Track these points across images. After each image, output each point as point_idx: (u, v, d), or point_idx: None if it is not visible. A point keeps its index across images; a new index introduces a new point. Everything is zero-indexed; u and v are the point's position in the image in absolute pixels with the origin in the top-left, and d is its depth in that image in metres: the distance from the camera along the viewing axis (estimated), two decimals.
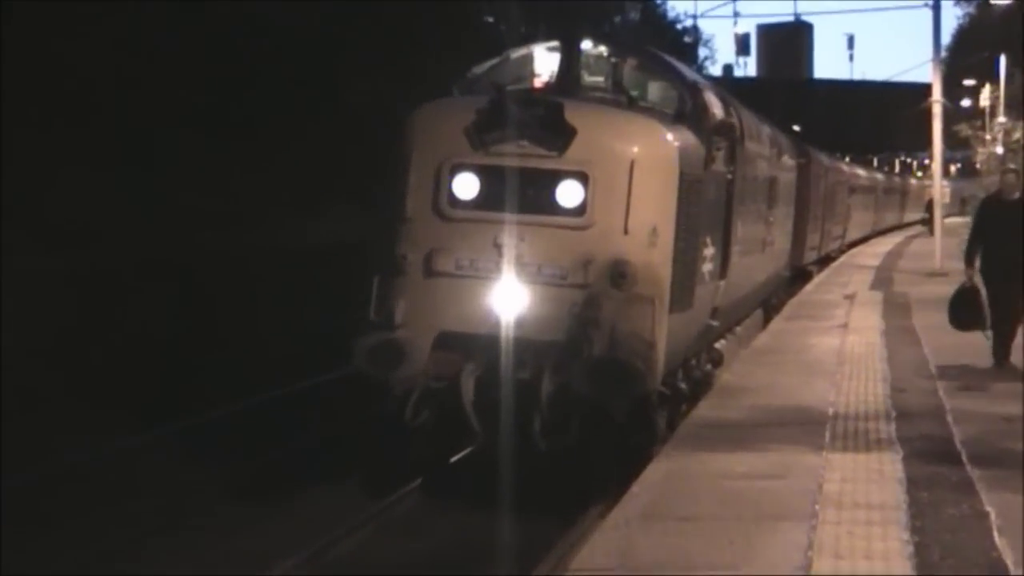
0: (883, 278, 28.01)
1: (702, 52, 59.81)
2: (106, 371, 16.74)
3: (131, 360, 17.63)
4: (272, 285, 23.33)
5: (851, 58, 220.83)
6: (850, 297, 22.93)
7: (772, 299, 20.90)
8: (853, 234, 41.54)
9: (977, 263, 13.58)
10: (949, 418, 10.77)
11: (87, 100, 24.25)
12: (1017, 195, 13.52)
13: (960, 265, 14.67)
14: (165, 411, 14.82)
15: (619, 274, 10.31)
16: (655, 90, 12.52)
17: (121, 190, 24.04)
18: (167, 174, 25.60)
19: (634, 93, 11.96)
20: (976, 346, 13.87)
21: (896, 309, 20.61)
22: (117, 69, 25.26)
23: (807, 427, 10.48)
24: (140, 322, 19.33)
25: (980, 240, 13.58)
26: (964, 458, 9.15)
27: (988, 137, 49.33)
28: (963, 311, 13.57)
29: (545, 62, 12.23)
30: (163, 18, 26.45)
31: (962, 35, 57.85)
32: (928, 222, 37.96)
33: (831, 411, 11.19)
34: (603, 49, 12.30)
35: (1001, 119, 43.48)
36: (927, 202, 30.25)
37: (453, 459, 11.98)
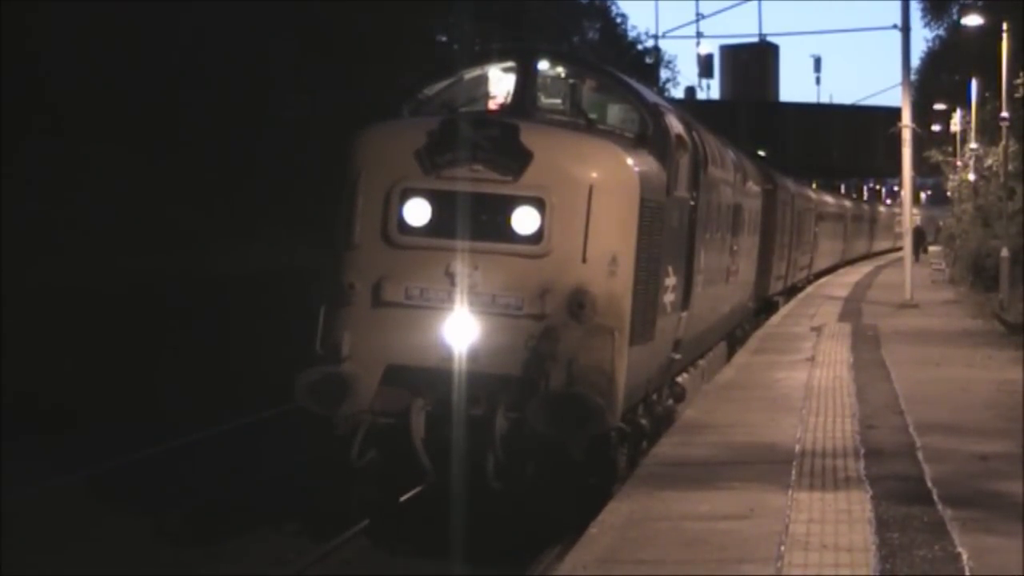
0: (852, 310, 28.27)
1: (664, 73, 60.34)
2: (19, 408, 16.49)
3: (49, 397, 17.37)
4: (210, 313, 23.06)
5: (818, 80, 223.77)
6: (818, 329, 23.13)
7: (737, 331, 21.04)
8: (821, 263, 41.92)
9: None
10: (920, 455, 10.87)
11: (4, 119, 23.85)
12: None
13: (932, 296, 14.84)
14: (90, 451, 14.61)
15: (578, 304, 10.34)
16: (615, 112, 12.61)
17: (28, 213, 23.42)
18: (85, 192, 24.94)
19: (593, 115, 12.04)
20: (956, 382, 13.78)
21: (865, 342, 20.81)
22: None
23: (773, 465, 10.55)
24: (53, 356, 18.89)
25: None
26: (936, 498, 9.24)
27: (959, 163, 50.05)
28: None
29: (500, 83, 12.28)
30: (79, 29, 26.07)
31: (933, 58, 58.64)
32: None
33: (798, 448, 11.27)
34: (561, 69, 12.37)
35: (973, 145, 44.08)
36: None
37: (402, 499, 11.94)
